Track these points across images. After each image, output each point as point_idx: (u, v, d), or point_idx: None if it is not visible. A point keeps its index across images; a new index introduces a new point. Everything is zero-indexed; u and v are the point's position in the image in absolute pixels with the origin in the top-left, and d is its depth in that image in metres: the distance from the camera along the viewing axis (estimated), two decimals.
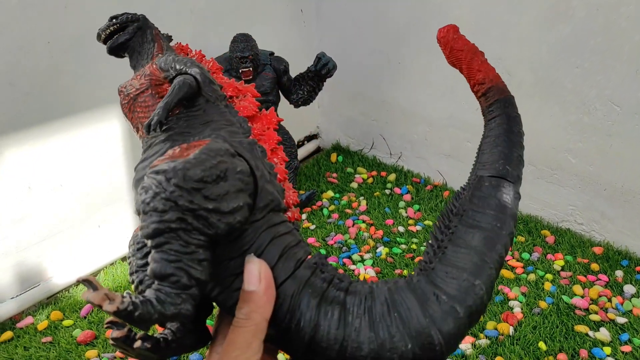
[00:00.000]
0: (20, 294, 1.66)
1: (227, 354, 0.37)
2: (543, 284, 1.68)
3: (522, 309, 1.58)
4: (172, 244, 0.36)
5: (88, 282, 0.34)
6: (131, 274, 0.44)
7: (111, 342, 0.40)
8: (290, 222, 0.45)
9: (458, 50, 0.50)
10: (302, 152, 2.52)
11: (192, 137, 0.47)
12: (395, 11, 2.13)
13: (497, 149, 0.46)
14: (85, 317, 1.62)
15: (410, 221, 2.01)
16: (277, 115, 0.53)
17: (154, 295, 0.36)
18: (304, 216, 2.08)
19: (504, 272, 1.72)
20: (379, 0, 2.16)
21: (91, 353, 1.48)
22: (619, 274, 1.71)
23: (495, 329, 1.51)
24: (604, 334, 1.48)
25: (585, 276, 1.71)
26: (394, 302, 0.40)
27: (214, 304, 0.43)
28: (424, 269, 0.42)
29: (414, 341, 0.38)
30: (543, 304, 1.59)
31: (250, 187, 0.41)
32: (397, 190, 2.22)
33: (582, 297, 1.62)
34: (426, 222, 2.00)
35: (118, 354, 1.47)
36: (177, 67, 0.54)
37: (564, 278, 1.70)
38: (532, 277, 1.70)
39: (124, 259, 1.87)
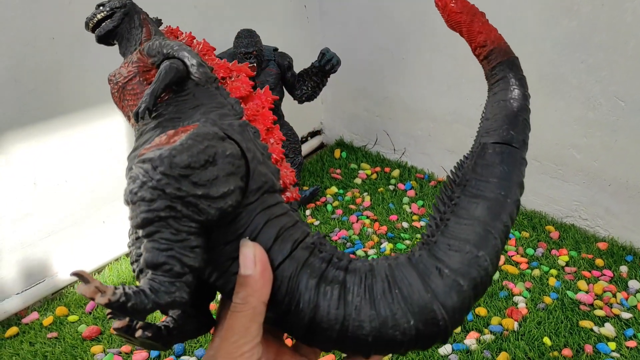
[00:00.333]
0: (26, 290, 1.66)
1: (226, 339, 0.37)
2: (547, 279, 1.68)
3: (526, 305, 1.58)
4: (162, 232, 0.36)
5: (80, 275, 0.34)
6: (132, 263, 0.43)
7: (114, 332, 0.40)
8: (288, 202, 0.44)
9: (456, 12, 0.47)
10: (305, 148, 2.52)
11: (181, 123, 0.46)
12: (398, 7, 2.12)
13: (501, 114, 0.43)
14: (90, 313, 1.63)
15: (414, 217, 2.01)
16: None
17: (148, 285, 0.36)
18: (308, 212, 2.08)
19: (509, 268, 1.72)
20: None
21: (96, 348, 1.48)
22: (624, 269, 1.71)
23: (500, 324, 1.51)
24: (608, 329, 1.48)
25: (590, 272, 1.70)
26: (394, 278, 0.39)
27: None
28: (426, 242, 0.40)
29: (417, 317, 0.37)
30: (548, 300, 1.59)
31: (241, 169, 0.40)
32: (401, 186, 2.22)
33: (587, 292, 1.62)
34: None
35: (123, 349, 1.48)
36: (164, 51, 0.52)
37: (569, 273, 1.70)
38: (536, 272, 1.70)
39: (128, 255, 1.87)
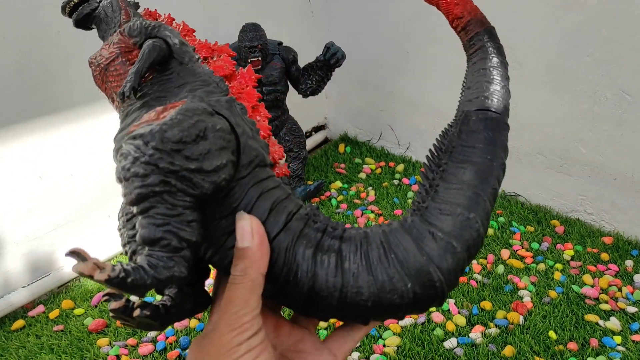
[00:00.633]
0: (32, 283, 1.67)
1: (226, 311, 0.37)
2: (553, 273, 1.68)
3: (532, 299, 1.58)
4: (157, 207, 0.36)
5: (76, 254, 0.33)
6: (123, 245, 0.43)
7: (111, 314, 0.39)
8: (278, 177, 0.44)
9: None
10: (310, 143, 2.51)
11: (168, 101, 0.46)
12: (403, 1, 2.11)
13: (481, 82, 0.45)
14: (96, 306, 1.63)
15: None
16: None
17: (146, 261, 0.35)
18: None
19: (514, 262, 1.72)
20: None
21: (102, 341, 1.49)
22: (629, 263, 1.70)
23: (505, 318, 1.51)
24: (614, 323, 1.48)
25: (595, 266, 1.70)
26: (389, 244, 0.39)
27: (210, 266, 0.43)
28: (418, 209, 0.41)
29: (414, 280, 0.38)
30: (553, 294, 1.59)
31: (232, 144, 0.40)
32: (405, 180, 2.22)
33: (592, 286, 1.62)
34: None
35: (130, 341, 1.48)
36: (146, 31, 0.52)
37: (574, 268, 1.70)
38: (541, 266, 1.70)
39: None
